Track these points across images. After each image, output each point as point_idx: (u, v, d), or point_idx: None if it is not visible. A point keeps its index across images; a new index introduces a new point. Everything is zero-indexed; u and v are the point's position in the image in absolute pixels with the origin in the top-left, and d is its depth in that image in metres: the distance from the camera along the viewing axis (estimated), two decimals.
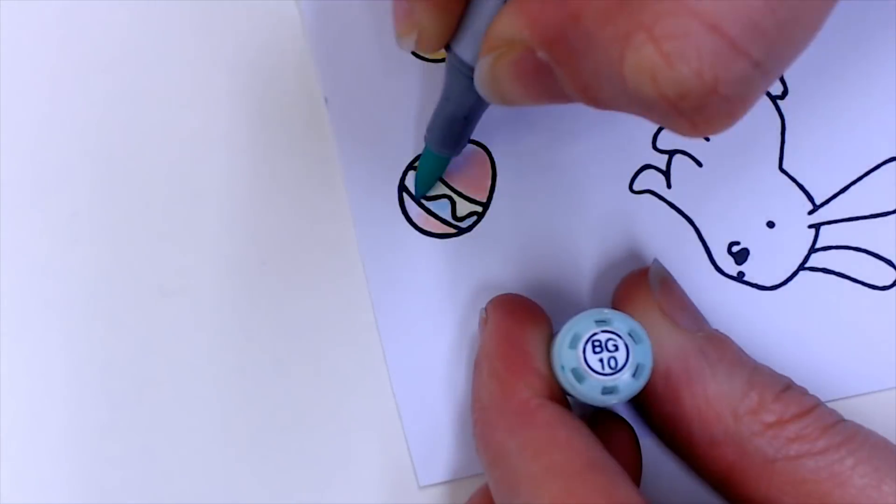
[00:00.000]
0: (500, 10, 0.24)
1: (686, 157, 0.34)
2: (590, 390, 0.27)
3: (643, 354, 0.27)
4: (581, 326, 0.28)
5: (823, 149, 0.34)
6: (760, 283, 0.33)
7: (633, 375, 0.27)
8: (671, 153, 0.34)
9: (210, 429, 0.33)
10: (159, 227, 0.34)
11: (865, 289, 0.33)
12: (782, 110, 0.34)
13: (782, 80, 0.34)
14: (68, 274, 0.34)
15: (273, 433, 0.33)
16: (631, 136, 0.34)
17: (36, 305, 0.34)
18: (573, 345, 0.27)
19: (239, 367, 0.33)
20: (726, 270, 0.33)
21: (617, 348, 0.27)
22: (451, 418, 0.32)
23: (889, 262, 0.33)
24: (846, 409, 0.33)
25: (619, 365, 0.27)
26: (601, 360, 0.27)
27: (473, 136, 0.34)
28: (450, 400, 0.32)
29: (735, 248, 0.33)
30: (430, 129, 0.32)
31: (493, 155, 0.34)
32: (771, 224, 0.33)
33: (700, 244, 0.33)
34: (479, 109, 0.30)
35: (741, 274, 0.33)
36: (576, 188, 0.34)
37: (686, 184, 0.34)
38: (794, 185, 0.34)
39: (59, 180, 0.34)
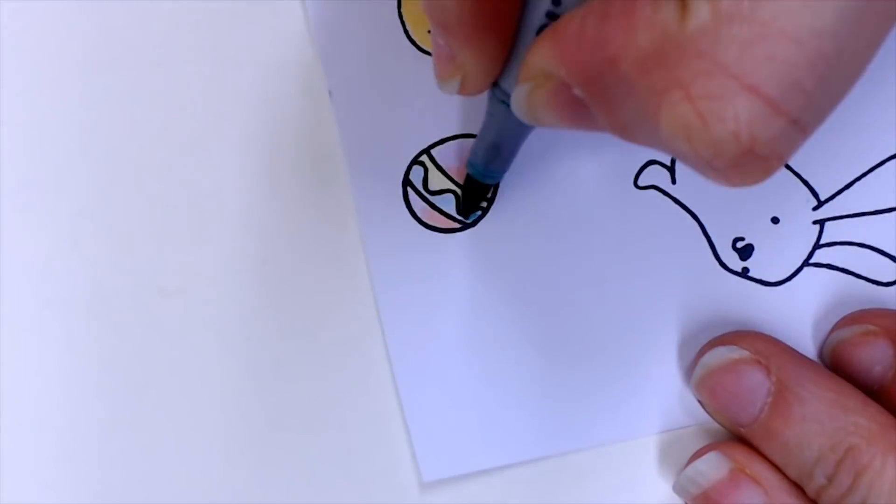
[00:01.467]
0: (535, 41, 0.24)
1: None
2: None
3: None
4: None
5: (828, 145, 0.34)
6: (765, 278, 0.33)
7: None
8: None
9: (211, 428, 0.33)
10: (159, 227, 0.34)
11: (870, 285, 0.33)
12: None
13: None
14: (68, 274, 0.33)
15: (274, 431, 0.33)
16: None
17: (36, 305, 0.33)
18: None
19: (240, 365, 0.33)
20: (731, 266, 0.33)
21: None
22: (455, 413, 0.32)
23: (893, 259, 0.33)
24: None
25: None
26: None
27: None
28: (454, 394, 0.32)
29: (740, 244, 0.33)
30: (472, 158, 0.32)
31: None
32: (775, 220, 0.33)
33: (705, 240, 0.33)
34: (523, 136, 0.30)
35: (746, 269, 0.33)
36: (580, 183, 0.34)
37: (691, 179, 0.34)
38: (798, 180, 0.34)
39: (59, 180, 0.34)
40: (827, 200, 0.34)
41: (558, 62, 0.22)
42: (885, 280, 0.33)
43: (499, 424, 0.32)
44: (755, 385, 0.29)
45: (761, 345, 0.30)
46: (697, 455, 0.31)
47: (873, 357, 0.30)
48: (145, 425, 0.33)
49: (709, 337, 0.32)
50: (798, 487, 0.29)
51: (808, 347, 0.33)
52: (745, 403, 0.29)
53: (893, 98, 0.34)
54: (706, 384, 0.30)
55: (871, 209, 0.34)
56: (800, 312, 0.33)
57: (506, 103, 0.27)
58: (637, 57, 0.20)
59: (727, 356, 0.30)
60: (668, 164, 0.34)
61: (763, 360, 0.29)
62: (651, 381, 0.33)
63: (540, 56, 0.23)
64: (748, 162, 0.20)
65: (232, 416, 0.33)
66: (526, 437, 0.32)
